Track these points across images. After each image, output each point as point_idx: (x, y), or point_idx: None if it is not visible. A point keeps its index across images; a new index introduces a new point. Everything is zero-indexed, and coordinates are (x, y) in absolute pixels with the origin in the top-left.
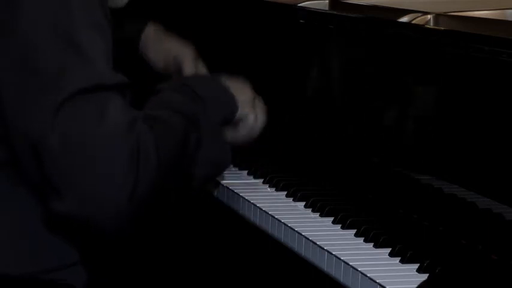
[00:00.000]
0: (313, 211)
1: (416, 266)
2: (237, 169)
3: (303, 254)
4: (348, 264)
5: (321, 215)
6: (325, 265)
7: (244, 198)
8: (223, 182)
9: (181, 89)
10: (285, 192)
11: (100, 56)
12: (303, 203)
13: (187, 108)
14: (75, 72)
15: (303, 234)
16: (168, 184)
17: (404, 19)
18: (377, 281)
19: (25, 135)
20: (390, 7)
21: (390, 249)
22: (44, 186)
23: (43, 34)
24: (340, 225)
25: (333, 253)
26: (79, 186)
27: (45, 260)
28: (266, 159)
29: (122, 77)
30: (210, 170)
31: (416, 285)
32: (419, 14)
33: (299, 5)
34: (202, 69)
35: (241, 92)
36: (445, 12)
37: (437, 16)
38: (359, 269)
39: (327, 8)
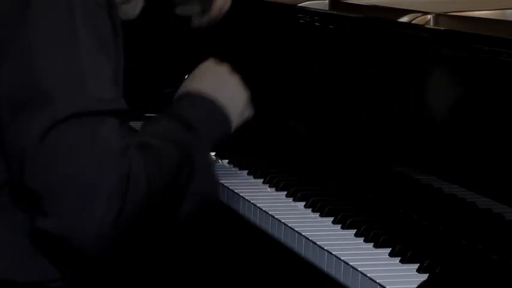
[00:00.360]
0: (313, 211)
1: (416, 266)
2: (237, 169)
3: (303, 254)
4: (348, 264)
5: (321, 215)
6: (325, 265)
7: (244, 198)
8: (223, 182)
9: (176, 118)
10: (285, 192)
11: (101, 80)
12: (303, 203)
13: (181, 139)
14: (72, 95)
15: (303, 234)
16: (154, 212)
17: (404, 19)
18: (377, 281)
19: (16, 151)
20: (390, 7)
21: (390, 249)
22: (30, 202)
23: (45, 54)
24: (340, 225)
25: (333, 253)
26: (63, 205)
27: (48, 270)
28: (266, 159)
29: (122, 103)
30: (198, 202)
31: (416, 285)
32: (419, 14)
33: (299, 5)
34: None
35: (234, 102)
36: (445, 12)
37: (437, 16)
38: (359, 269)
39: (327, 8)
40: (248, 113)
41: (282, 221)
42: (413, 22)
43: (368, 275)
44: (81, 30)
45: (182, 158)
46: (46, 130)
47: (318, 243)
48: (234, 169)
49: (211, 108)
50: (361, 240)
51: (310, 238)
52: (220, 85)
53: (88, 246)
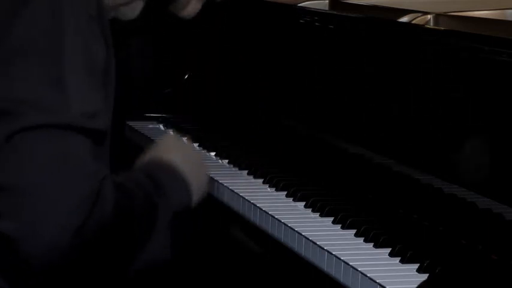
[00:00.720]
0: (313, 211)
1: (416, 266)
2: (237, 169)
3: (303, 254)
4: (348, 264)
5: (321, 215)
6: (325, 265)
7: (244, 198)
8: (223, 182)
9: (149, 176)
10: (285, 192)
11: (80, 97)
12: (303, 203)
13: (151, 196)
14: (47, 107)
15: (303, 234)
16: (112, 248)
17: (404, 19)
18: (377, 281)
19: None
20: (390, 7)
21: (390, 249)
22: None
23: (26, 62)
24: (340, 225)
25: (333, 253)
26: (21, 207)
27: None
28: (266, 159)
29: (101, 123)
30: (147, 262)
31: (416, 285)
32: (419, 14)
33: (299, 5)
34: None
35: (198, 179)
36: (445, 12)
37: (437, 16)
38: (359, 269)
39: (327, 8)
40: (205, 191)
41: (282, 221)
42: (413, 22)
43: (368, 275)
44: (68, 43)
45: (148, 212)
46: (13, 133)
47: (318, 243)
48: (234, 169)
49: (180, 179)
50: (361, 240)
51: (310, 238)
52: (186, 161)
53: (37, 254)
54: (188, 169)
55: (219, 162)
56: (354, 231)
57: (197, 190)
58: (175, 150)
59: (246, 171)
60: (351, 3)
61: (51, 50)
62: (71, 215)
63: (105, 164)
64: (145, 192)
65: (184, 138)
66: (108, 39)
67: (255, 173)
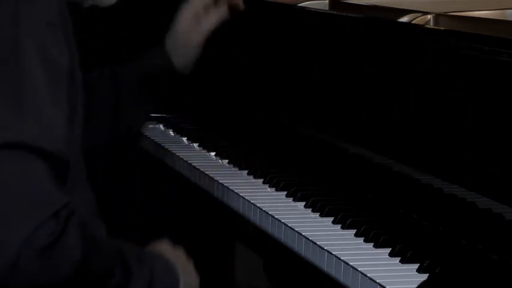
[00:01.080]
0: (313, 211)
1: (416, 266)
2: (237, 169)
3: (303, 254)
4: (348, 264)
5: (321, 215)
6: (325, 265)
7: (244, 198)
8: (224, 182)
9: (135, 251)
10: (285, 192)
11: (43, 119)
12: (303, 203)
13: (126, 259)
14: (8, 126)
15: (303, 234)
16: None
17: (404, 19)
18: (377, 281)
19: None
20: (390, 7)
21: (390, 249)
22: None
23: None
24: (340, 225)
25: (333, 253)
26: None
27: None
28: (266, 159)
29: (60, 148)
30: None
31: (416, 285)
32: (419, 14)
33: (299, 5)
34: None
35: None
36: (445, 12)
37: (437, 16)
38: (359, 269)
39: (327, 8)
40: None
41: (282, 221)
42: (413, 22)
43: (368, 275)
44: (26, 60)
45: (119, 273)
46: None
47: (318, 243)
48: (234, 169)
49: (167, 264)
50: (361, 240)
51: (310, 238)
52: (180, 266)
53: None
54: (183, 275)
55: (219, 162)
56: (354, 231)
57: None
58: (171, 257)
59: (246, 171)
60: (351, 3)
61: (8, 60)
62: (29, 237)
63: (70, 194)
64: (120, 255)
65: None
66: (72, 47)
67: (255, 173)
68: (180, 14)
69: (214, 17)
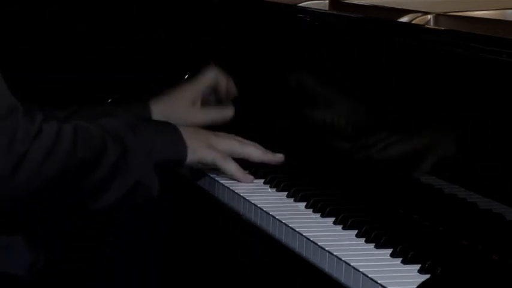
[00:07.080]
0: (314, 211)
1: (417, 266)
2: None
3: (304, 255)
4: (349, 265)
5: (322, 216)
6: (326, 266)
7: (245, 199)
8: (224, 182)
9: (127, 120)
10: (286, 193)
11: None
12: (304, 204)
13: (112, 128)
14: None
15: (304, 234)
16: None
17: (405, 19)
18: (378, 281)
19: None
20: (390, 7)
21: (392, 249)
22: None
23: None
24: (342, 225)
25: (334, 254)
26: None
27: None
28: None
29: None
30: (119, 199)
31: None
32: (419, 14)
33: (299, 5)
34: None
35: (194, 138)
36: (445, 12)
37: (437, 16)
38: (360, 270)
39: (327, 8)
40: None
41: (283, 221)
42: (413, 22)
43: (369, 275)
44: None
45: (112, 147)
46: None
47: (319, 243)
48: None
49: (168, 131)
50: (362, 240)
51: (311, 239)
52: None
53: None
54: (188, 131)
55: None
56: (355, 231)
57: (194, 148)
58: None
59: (246, 171)
60: (351, 3)
61: None
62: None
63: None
64: (110, 130)
65: None
66: None
67: (255, 174)
68: (179, 90)
69: (213, 115)
